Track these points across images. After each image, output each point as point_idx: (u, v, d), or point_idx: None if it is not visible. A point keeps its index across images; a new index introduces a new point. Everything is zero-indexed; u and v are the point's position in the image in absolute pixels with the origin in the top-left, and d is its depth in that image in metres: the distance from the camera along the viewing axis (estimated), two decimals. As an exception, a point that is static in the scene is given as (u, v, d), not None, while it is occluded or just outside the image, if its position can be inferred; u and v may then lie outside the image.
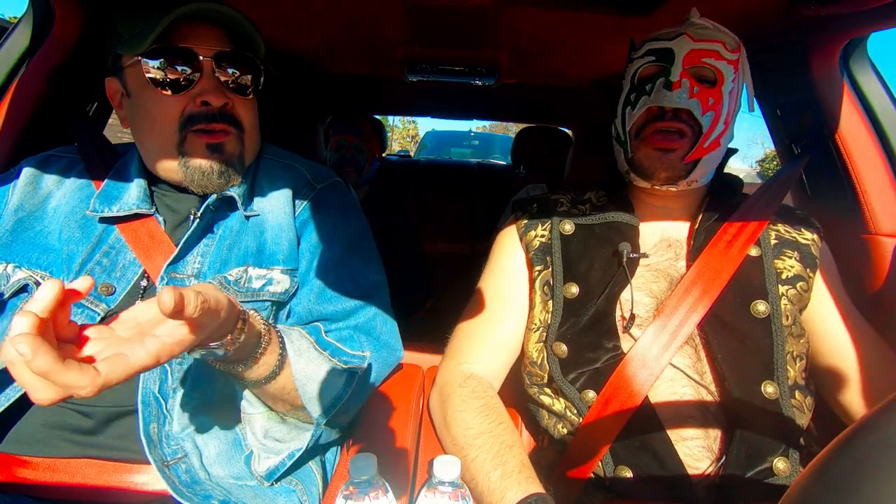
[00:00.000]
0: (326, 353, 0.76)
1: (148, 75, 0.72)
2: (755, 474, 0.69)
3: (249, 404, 0.77)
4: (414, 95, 2.27)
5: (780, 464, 0.70)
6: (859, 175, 0.99)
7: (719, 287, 0.77)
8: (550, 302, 0.85)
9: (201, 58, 0.72)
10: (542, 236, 0.91)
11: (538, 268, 0.88)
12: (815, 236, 0.86)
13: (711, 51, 0.81)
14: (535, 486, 0.66)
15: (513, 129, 13.85)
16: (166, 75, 0.72)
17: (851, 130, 1.00)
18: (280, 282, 0.81)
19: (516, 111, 2.66)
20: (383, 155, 2.82)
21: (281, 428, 0.78)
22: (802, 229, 0.86)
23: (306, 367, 0.73)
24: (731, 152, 0.91)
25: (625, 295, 0.81)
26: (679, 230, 0.88)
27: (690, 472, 0.71)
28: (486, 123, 13.83)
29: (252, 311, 0.66)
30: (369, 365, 0.81)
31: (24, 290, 0.72)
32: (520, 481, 0.66)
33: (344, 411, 0.80)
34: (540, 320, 0.86)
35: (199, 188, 0.77)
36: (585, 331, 0.81)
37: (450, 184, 2.77)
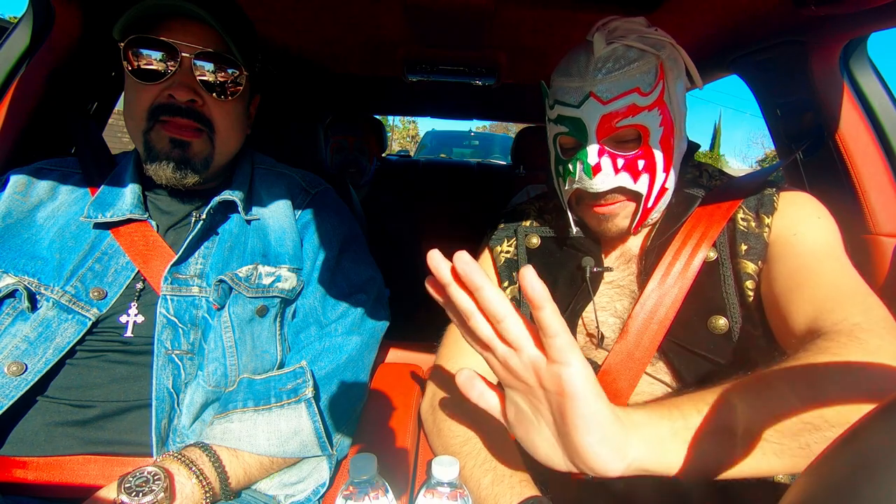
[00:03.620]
0: (270, 404, 0.74)
1: (125, 62, 0.74)
2: (752, 480, 0.68)
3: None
4: (414, 95, 2.27)
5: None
6: (859, 175, 0.99)
7: (675, 307, 0.74)
8: None
9: (182, 54, 0.74)
10: (508, 252, 0.90)
11: (505, 283, 0.88)
12: (770, 217, 0.74)
13: (626, 108, 0.70)
14: (530, 489, 0.63)
15: (513, 129, 13.84)
16: (143, 65, 0.74)
17: (851, 130, 1.00)
18: (288, 279, 0.84)
19: (516, 111, 2.66)
20: (383, 155, 2.82)
21: (293, 472, 0.77)
22: (760, 213, 0.75)
23: (263, 436, 0.71)
24: (694, 147, 0.87)
25: (588, 314, 0.80)
26: (635, 246, 0.84)
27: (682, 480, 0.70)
28: (486, 123, 13.84)
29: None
30: (349, 357, 0.84)
31: (12, 295, 0.72)
32: (512, 485, 0.63)
33: (346, 415, 0.81)
34: None
35: (160, 179, 0.78)
36: None
37: (450, 184, 2.77)
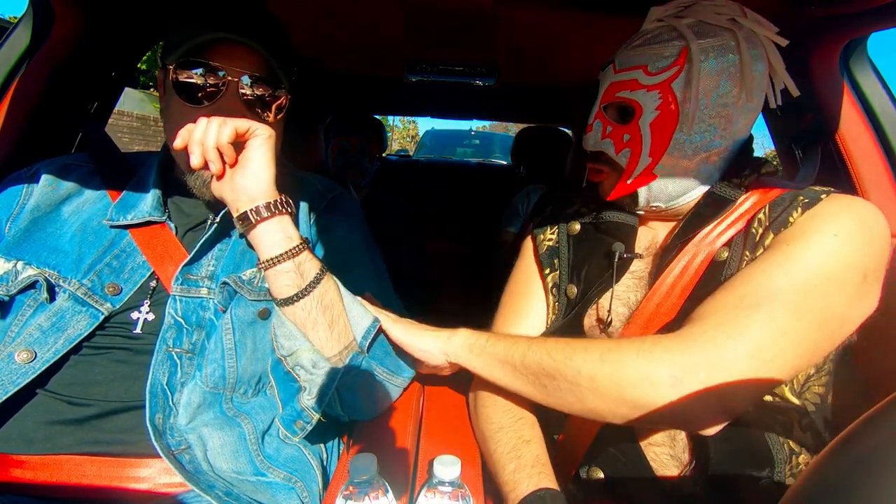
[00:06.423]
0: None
1: (173, 83, 0.75)
2: (740, 481, 0.67)
3: (293, 339, 0.75)
4: (414, 95, 2.27)
5: (768, 472, 0.67)
6: (859, 175, 0.99)
7: (678, 304, 0.73)
8: (557, 304, 0.86)
9: (229, 77, 0.75)
10: (550, 239, 0.91)
11: (546, 271, 0.89)
12: (776, 234, 0.69)
13: (628, 81, 0.74)
14: (547, 481, 0.67)
15: (513, 128, 13.84)
16: (191, 86, 0.75)
17: (851, 130, 1.00)
18: None
19: (516, 111, 2.66)
20: (383, 155, 2.82)
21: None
22: (771, 226, 0.70)
23: (343, 289, 0.79)
24: (747, 160, 0.77)
25: (604, 300, 0.80)
26: (660, 241, 0.83)
27: (661, 477, 0.70)
28: (486, 123, 13.83)
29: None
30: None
31: (32, 286, 0.74)
32: (531, 475, 0.68)
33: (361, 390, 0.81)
34: (550, 323, 0.86)
35: (200, 194, 0.80)
36: (560, 334, 0.81)
37: (450, 184, 2.77)
